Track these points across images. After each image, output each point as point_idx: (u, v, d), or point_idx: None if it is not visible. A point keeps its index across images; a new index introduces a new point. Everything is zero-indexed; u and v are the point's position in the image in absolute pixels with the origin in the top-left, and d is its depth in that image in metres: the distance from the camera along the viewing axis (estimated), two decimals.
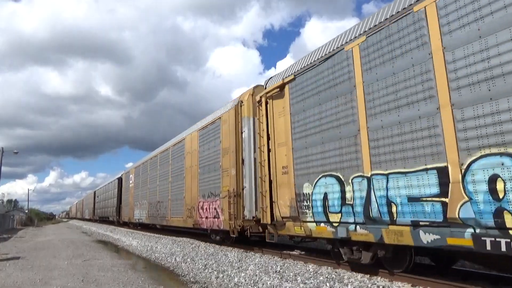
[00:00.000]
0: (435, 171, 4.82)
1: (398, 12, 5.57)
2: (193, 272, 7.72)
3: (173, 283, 7.02)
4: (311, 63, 7.36)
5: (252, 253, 9.67)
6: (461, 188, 4.48)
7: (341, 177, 6.36)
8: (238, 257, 8.74)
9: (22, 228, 40.05)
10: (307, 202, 7.12)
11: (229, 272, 7.08)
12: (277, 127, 8.33)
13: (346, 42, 6.55)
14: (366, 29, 6.14)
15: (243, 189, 9.92)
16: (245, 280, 6.36)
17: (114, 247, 14.64)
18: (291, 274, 6.48)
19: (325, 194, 6.65)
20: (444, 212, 4.68)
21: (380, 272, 6.14)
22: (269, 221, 8.34)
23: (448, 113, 4.71)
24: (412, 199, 5.09)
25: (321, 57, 7.11)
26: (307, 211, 7.11)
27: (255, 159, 9.90)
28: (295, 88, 7.78)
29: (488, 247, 4.23)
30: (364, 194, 5.85)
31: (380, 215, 5.55)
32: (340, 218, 6.31)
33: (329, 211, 6.57)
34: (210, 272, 7.37)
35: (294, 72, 7.86)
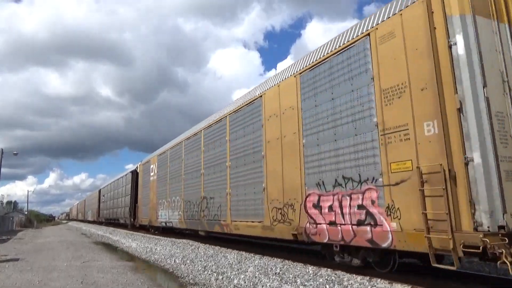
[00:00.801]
0: None
1: None
2: (192, 273, 7.48)
3: (172, 284, 6.90)
4: None
5: (252, 254, 9.37)
6: None
7: None
8: (238, 259, 8.65)
9: (21, 230, 39.07)
10: None
11: (229, 274, 6.97)
12: None
13: None
14: None
15: (466, 164, 4.56)
16: (245, 282, 6.20)
17: (114, 248, 14.07)
18: (290, 276, 6.42)
19: None
20: None
21: (380, 274, 5.87)
22: None
23: None
24: None
25: None
26: None
27: (487, 100, 4.61)
28: None
29: None
30: None
31: None
32: None
33: None
34: (209, 274, 7.21)
35: None
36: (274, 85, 8.68)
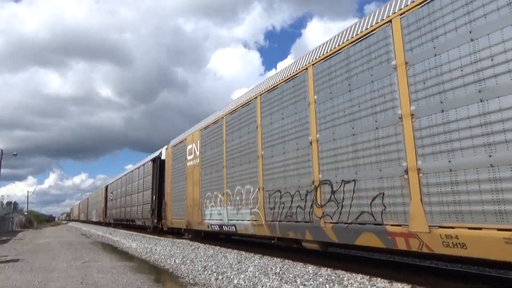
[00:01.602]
0: None
1: None
2: (192, 273, 7.52)
3: (172, 284, 6.87)
4: None
5: (252, 254, 9.45)
6: None
7: None
8: (238, 259, 8.73)
9: (21, 230, 39.34)
10: None
11: (229, 274, 7.02)
12: None
13: None
14: None
15: None
16: (245, 282, 6.25)
17: (113, 249, 14.05)
18: (290, 275, 6.47)
19: None
20: None
21: (380, 274, 5.91)
22: None
23: None
24: None
25: None
26: None
27: None
28: None
29: None
30: None
31: None
32: None
33: None
34: (209, 274, 7.25)
35: None
36: None
